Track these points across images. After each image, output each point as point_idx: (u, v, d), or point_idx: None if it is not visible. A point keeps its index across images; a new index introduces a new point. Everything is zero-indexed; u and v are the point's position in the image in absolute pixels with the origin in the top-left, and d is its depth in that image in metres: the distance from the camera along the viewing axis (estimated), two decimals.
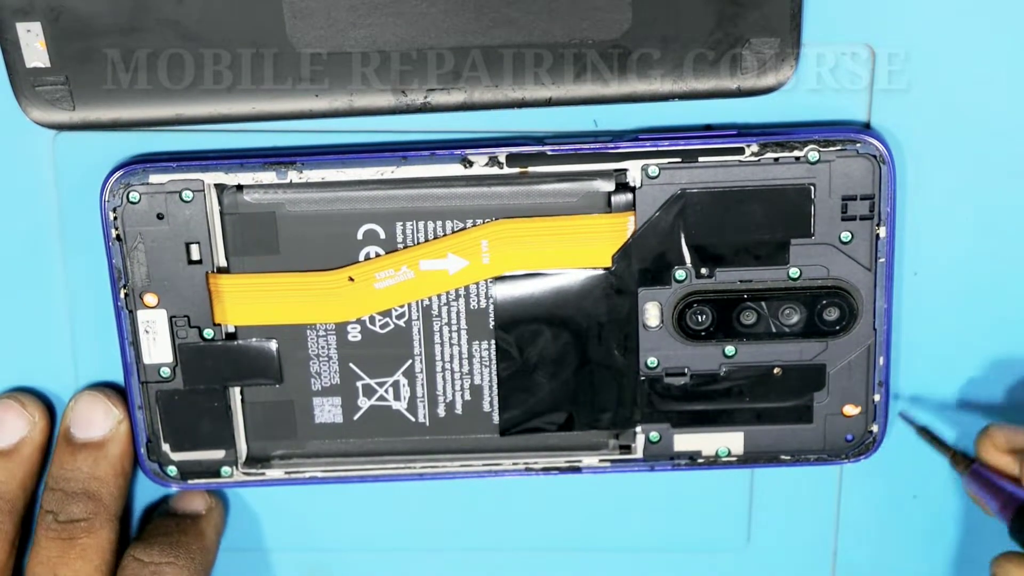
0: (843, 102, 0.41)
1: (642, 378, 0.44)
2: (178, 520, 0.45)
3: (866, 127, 0.42)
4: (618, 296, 0.43)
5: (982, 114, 0.41)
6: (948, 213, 0.42)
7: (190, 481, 0.45)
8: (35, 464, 0.44)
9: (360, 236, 0.43)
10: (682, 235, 0.42)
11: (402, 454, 0.45)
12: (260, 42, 0.40)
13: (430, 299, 0.43)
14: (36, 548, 0.43)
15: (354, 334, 0.44)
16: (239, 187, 0.42)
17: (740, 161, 0.41)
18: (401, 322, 0.44)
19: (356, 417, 0.45)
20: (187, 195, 0.42)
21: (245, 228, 0.42)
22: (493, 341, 0.44)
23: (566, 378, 0.44)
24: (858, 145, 0.41)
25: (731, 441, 0.44)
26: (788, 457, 0.45)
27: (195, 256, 0.42)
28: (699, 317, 0.43)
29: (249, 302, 0.43)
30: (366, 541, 0.47)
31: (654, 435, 0.44)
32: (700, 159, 0.41)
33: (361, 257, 0.43)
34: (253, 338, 0.44)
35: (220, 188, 0.42)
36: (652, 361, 0.43)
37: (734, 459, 0.44)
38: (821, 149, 0.41)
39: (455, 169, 0.41)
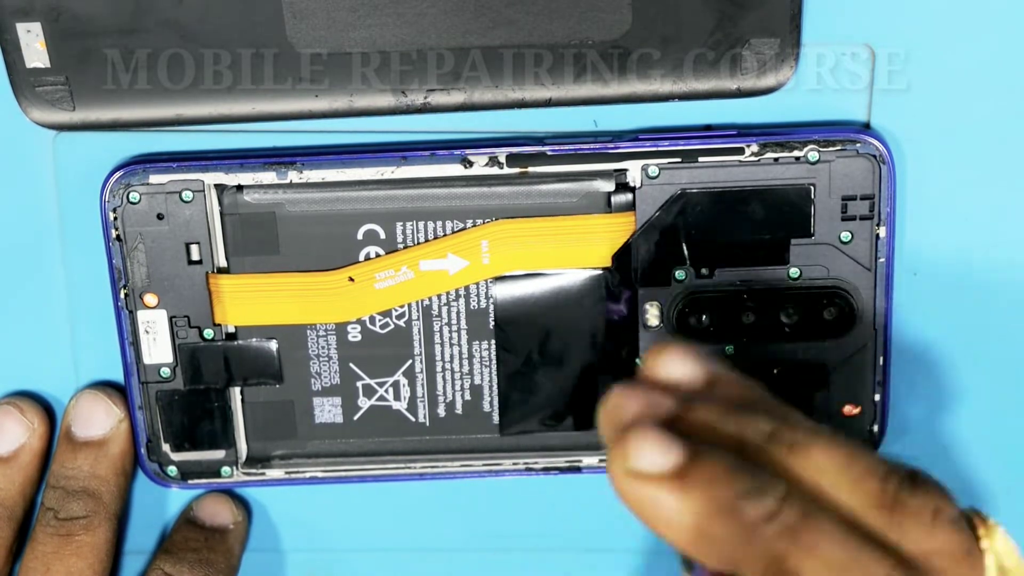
0: (843, 102, 0.41)
1: None
2: (206, 534, 0.45)
3: (866, 127, 0.42)
4: (618, 296, 0.43)
5: (982, 114, 0.41)
6: (948, 213, 0.42)
7: (190, 481, 0.45)
8: (34, 470, 0.44)
9: (360, 236, 0.43)
10: (682, 235, 0.42)
11: (402, 454, 0.45)
12: (260, 42, 0.40)
13: (430, 299, 0.43)
14: (32, 543, 0.43)
15: (354, 334, 0.44)
16: (239, 187, 0.42)
17: (740, 161, 0.41)
18: (401, 322, 0.44)
19: (356, 417, 0.45)
20: (187, 195, 0.42)
21: (245, 228, 0.42)
22: (493, 341, 0.44)
23: (566, 378, 0.44)
24: (858, 145, 0.41)
25: None
26: None
27: (195, 256, 0.42)
28: (699, 317, 0.43)
29: (249, 302, 0.43)
30: (366, 541, 0.47)
31: None
32: (700, 159, 0.41)
33: (361, 257, 0.43)
34: (253, 338, 0.44)
35: (220, 188, 0.42)
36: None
37: None
38: (821, 149, 0.41)
39: (455, 169, 0.41)
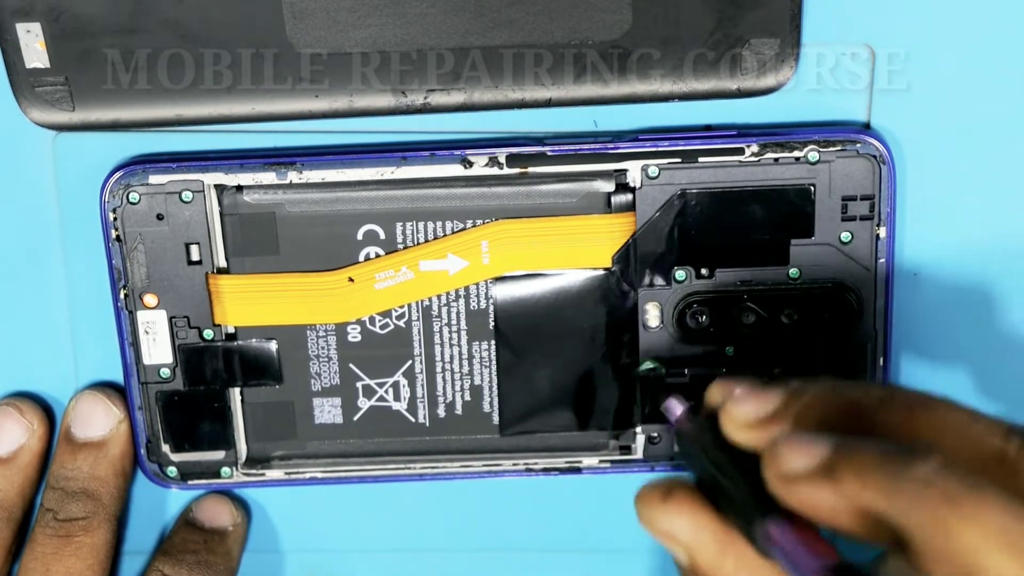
0: (843, 102, 0.41)
1: (642, 378, 0.44)
2: (206, 536, 0.45)
3: (866, 127, 0.42)
4: (618, 296, 0.43)
5: (982, 114, 0.41)
6: (948, 213, 0.42)
7: (190, 482, 0.45)
8: (34, 471, 0.44)
9: (360, 236, 0.43)
10: (682, 235, 0.42)
11: (402, 454, 0.45)
12: (260, 42, 0.40)
13: (430, 300, 0.43)
14: (32, 544, 0.43)
15: (354, 335, 0.44)
16: (239, 187, 0.42)
17: (740, 161, 0.41)
18: (401, 323, 0.44)
19: (356, 418, 0.45)
20: (187, 196, 0.42)
21: (245, 228, 0.42)
22: (493, 341, 0.44)
23: (566, 378, 0.44)
24: (858, 145, 0.41)
25: None
26: None
27: (195, 257, 0.42)
28: (699, 317, 0.43)
29: (249, 303, 0.43)
30: (366, 541, 0.47)
31: (654, 435, 0.44)
32: (700, 159, 0.41)
33: (361, 257, 0.43)
34: (253, 339, 0.44)
35: (220, 188, 0.42)
36: (652, 361, 0.43)
37: None
38: (821, 149, 0.41)
39: (455, 169, 0.41)
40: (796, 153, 0.41)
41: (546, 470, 0.45)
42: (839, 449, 0.31)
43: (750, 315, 0.42)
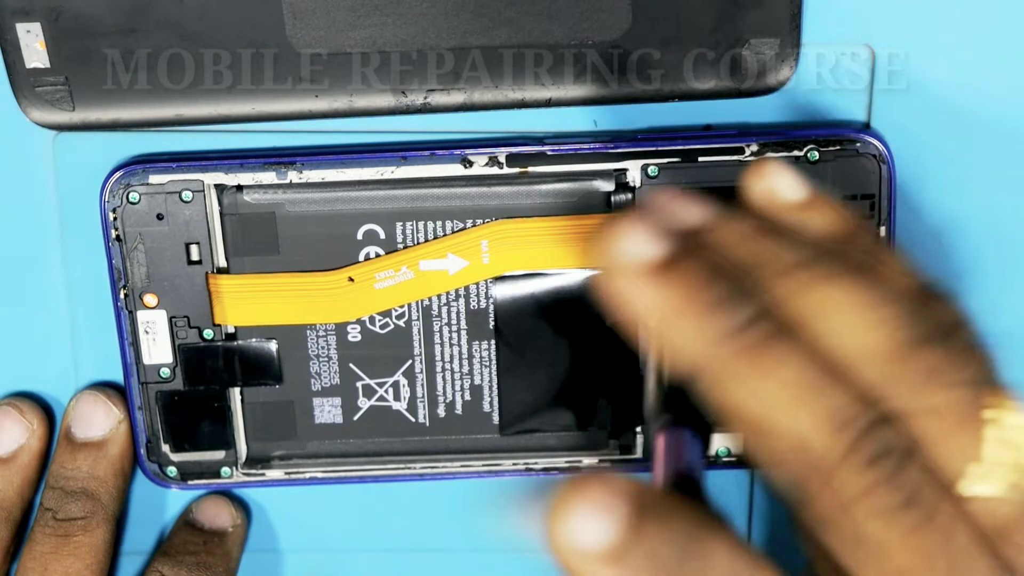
0: (843, 102, 0.41)
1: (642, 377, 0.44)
2: (205, 537, 0.45)
3: (866, 127, 0.42)
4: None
5: (982, 114, 0.41)
6: (948, 213, 0.42)
7: (190, 482, 0.45)
8: (33, 471, 0.44)
9: (360, 236, 0.43)
10: None
11: (402, 454, 0.45)
12: (260, 42, 0.40)
13: (430, 299, 0.43)
14: (31, 544, 0.43)
15: (354, 334, 0.44)
16: (239, 187, 0.42)
17: (740, 161, 0.41)
18: (401, 322, 0.44)
19: (356, 417, 0.45)
20: (187, 195, 0.42)
21: (245, 228, 0.42)
22: (493, 341, 0.44)
23: (566, 378, 0.44)
24: (858, 145, 0.41)
25: (731, 441, 0.44)
26: None
27: (195, 256, 0.42)
28: None
29: (249, 302, 0.43)
30: (366, 541, 0.47)
31: None
32: (700, 159, 0.41)
33: (361, 257, 0.43)
34: (253, 338, 0.44)
35: (220, 188, 0.42)
36: None
37: (734, 459, 0.45)
38: (821, 149, 0.41)
39: (455, 169, 0.41)
40: (796, 153, 0.41)
41: (546, 470, 0.45)
42: (680, 256, 0.30)
43: None
